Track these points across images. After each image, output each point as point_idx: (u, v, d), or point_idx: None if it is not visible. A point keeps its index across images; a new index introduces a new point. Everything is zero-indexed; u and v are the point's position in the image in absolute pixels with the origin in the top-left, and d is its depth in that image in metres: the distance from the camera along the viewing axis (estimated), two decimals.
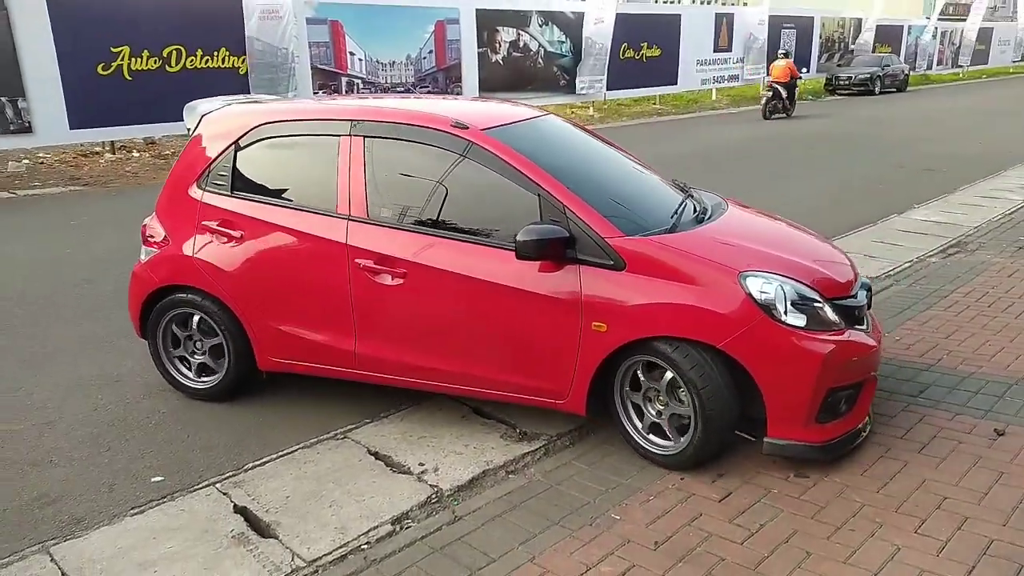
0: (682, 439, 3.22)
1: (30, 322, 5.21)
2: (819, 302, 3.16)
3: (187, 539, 2.89)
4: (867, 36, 28.93)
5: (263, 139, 3.85)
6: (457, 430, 3.67)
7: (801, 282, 3.17)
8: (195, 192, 3.94)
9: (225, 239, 3.81)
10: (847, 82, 25.37)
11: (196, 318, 3.97)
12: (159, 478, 3.32)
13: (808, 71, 26.67)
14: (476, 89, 16.08)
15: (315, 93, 13.29)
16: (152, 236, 4.06)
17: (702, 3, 42.26)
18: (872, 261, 6.27)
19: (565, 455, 3.42)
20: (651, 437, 3.32)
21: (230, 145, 3.88)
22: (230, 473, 3.34)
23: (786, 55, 18.80)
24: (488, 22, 16.39)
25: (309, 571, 2.72)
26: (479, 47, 16.28)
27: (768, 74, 22.32)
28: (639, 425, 3.35)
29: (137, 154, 12.91)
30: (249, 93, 11.97)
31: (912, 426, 3.56)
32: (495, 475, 3.29)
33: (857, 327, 3.29)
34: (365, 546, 2.84)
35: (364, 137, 3.61)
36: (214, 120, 4.03)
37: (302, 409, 3.91)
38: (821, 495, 3.05)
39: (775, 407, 3.09)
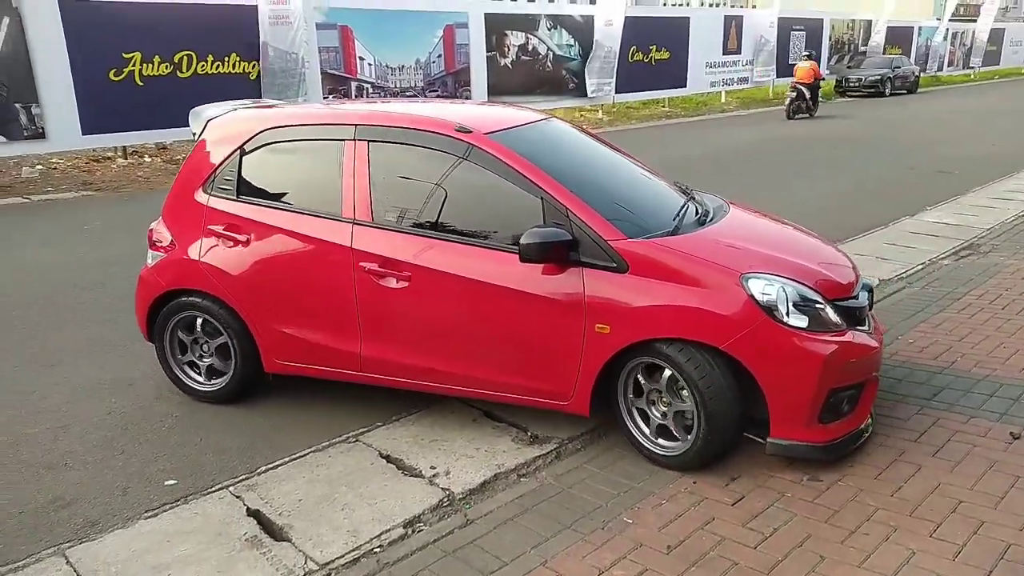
0: (686, 440, 3.23)
1: (45, 326, 5.25)
2: (821, 303, 3.17)
3: (200, 542, 2.90)
4: (878, 38, 28.82)
5: (268, 144, 3.88)
6: (468, 433, 3.67)
7: (803, 283, 3.19)
8: (201, 196, 3.97)
9: (231, 243, 3.84)
10: (857, 84, 25.28)
11: (202, 321, 3.99)
12: (172, 481, 3.33)
13: None
14: (485, 93, 16.10)
15: (325, 98, 13.34)
16: (159, 240, 4.10)
17: (711, 6, 42.20)
18: (884, 263, 6.24)
19: (577, 459, 3.42)
20: (655, 438, 3.34)
21: (235, 150, 3.92)
22: (243, 476, 3.35)
23: (810, 56, 19.23)
24: (497, 26, 16.42)
25: (322, 574, 2.72)
26: (488, 51, 16.31)
27: (783, 76, 22.54)
28: (643, 427, 3.37)
29: (149, 159, 13.00)
30: (259, 98, 12.03)
31: (926, 429, 3.54)
32: (507, 478, 3.29)
33: (859, 328, 3.30)
34: (377, 549, 2.84)
35: (368, 142, 3.64)
36: (219, 125, 4.06)
37: (314, 413, 3.92)
38: (835, 499, 3.04)
39: (778, 408, 3.11)
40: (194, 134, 4.17)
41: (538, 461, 3.41)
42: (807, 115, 18.57)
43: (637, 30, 19.16)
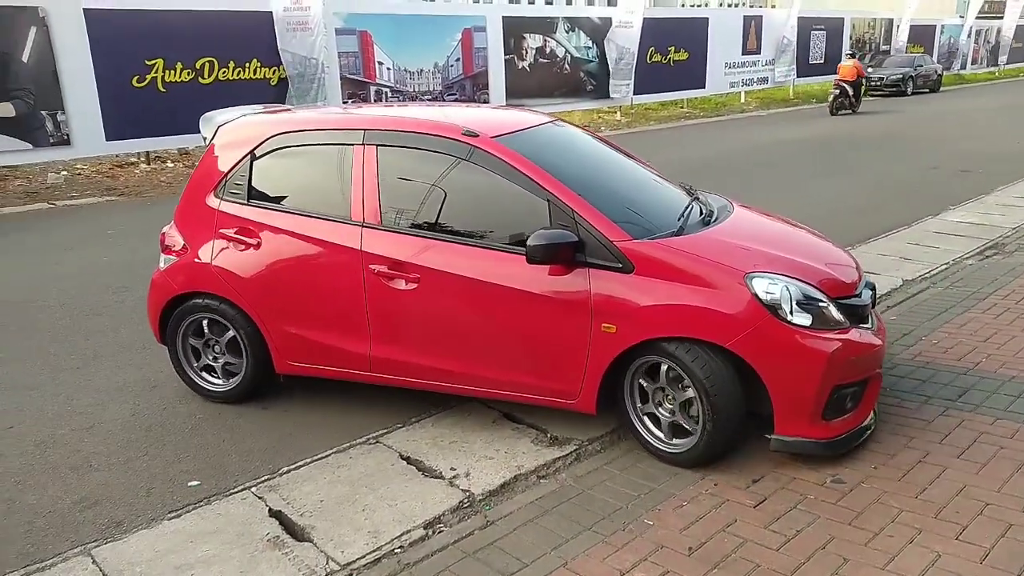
0: (691, 437, 3.26)
1: (71, 329, 5.33)
2: (824, 302, 3.21)
3: (223, 542, 2.93)
4: (902, 37, 28.51)
5: (278, 149, 3.93)
6: (488, 435, 3.67)
7: (806, 282, 3.23)
8: (212, 201, 4.03)
9: (242, 246, 3.90)
10: (879, 83, 25.00)
11: (211, 323, 4.05)
12: (196, 482, 3.37)
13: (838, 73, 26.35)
14: (503, 96, 16.13)
15: (344, 103, 13.43)
16: (171, 244, 4.16)
17: (730, 6, 41.96)
18: (907, 263, 6.17)
19: (596, 460, 3.41)
20: (661, 435, 3.37)
21: (246, 155, 3.97)
22: (265, 477, 3.38)
23: (853, 55, 20.53)
24: (515, 29, 16.45)
25: (343, 574, 2.74)
26: (506, 54, 16.33)
27: (803, 76, 22.60)
28: (649, 424, 3.41)
29: (171, 164, 13.15)
30: (281, 103, 12.15)
31: (951, 431, 3.49)
32: (526, 480, 3.29)
33: (862, 326, 3.34)
34: (398, 550, 2.86)
35: (377, 146, 3.69)
36: (230, 130, 4.12)
37: (335, 414, 3.94)
38: (858, 501, 3.01)
39: (782, 405, 3.15)
40: (205, 139, 4.23)
41: (558, 463, 3.41)
42: (850, 111, 19.26)
43: (656, 31, 19.11)
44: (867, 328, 3.36)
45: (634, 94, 19.03)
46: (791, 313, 3.11)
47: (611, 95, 18.43)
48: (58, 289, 6.23)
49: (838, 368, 3.12)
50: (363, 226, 3.64)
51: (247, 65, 12.43)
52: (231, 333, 3.99)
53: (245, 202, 3.94)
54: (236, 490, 3.29)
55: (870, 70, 26.08)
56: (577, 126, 4.59)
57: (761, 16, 23.51)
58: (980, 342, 4.48)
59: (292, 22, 12.57)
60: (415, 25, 14.77)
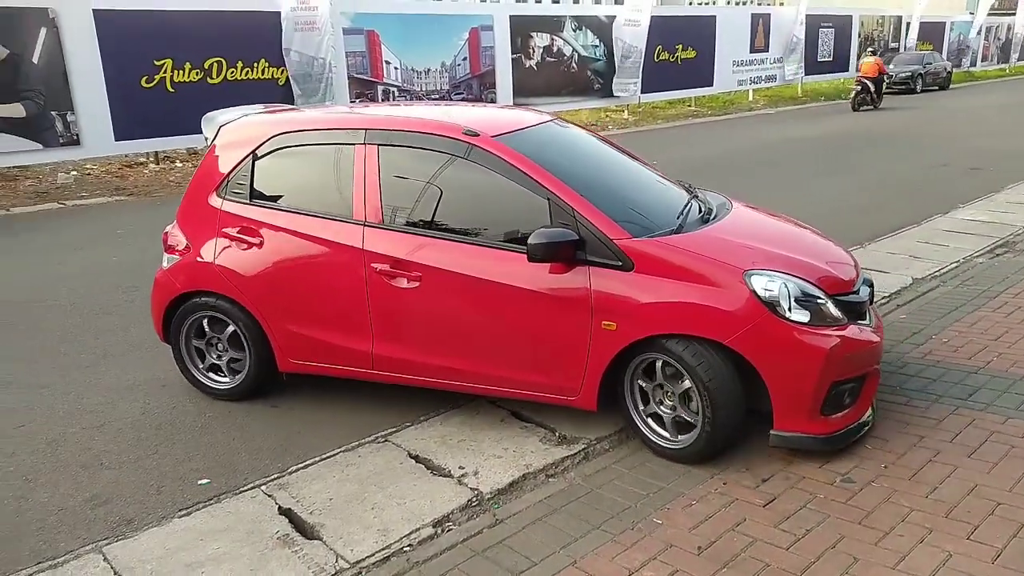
0: (691, 433, 3.29)
1: (81, 328, 5.35)
2: (822, 299, 3.24)
3: (233, 540, 2.94)
4: (912, 35, 28.37)
5: (280, 148, 3.96)
6: (496, 434, 3.68)
7: (805, 279, 3.25)
8: (215, 200, 4.06)
9: (245, 246, 3.92)
10: (887, 81, 24.85)
11: (216, 321, 4.08)
12: (205, 480, 3.38)
13: (847, 71, 26.26)
14: (510, 95, 16.12)
15: (352, 102, 13.45)
16: (174, 244, 4.19)
17: (737, 4, 41.85)
18: (917, 262, 6.14)
19: (605, 459, 3.41)
20: (661, 431, 3.39)
21: (248, 155, 4.00)
22: (275, 475, 3.39)
23: (874, 52, 20.75)
24: (522, 28, 16.43)
25: (352, 572, 2.74)
26: (513, 53, 16.32)
27: (811, 74, 22.64)
28: (650, 421, 3.43)
29: (180, 164, 13.20)
30: (289, 103, 12.17)
31: (962, 430, 3.48)
32: (535, 479, 3.29)
33: (860, 322, 3.37)
34: (407, 548, 2.86)
35: (378, 145, 3.71)
36: (232, 130, 4.14)
37: (343, 413, 3.95)
38: (868, 500, 2.99)
39: (780, 400, 3.17)
40: (207, 139, 4.25)
41: (566, 461, 3.41)
42: (871, 107, 19.59)
43: (663, 29, 19.06)
44: (865, 324, 3.40)
45: (641, 92, 18.99)
46: (790, 310, 3.14)
47: (614, 93, 18.37)
48: (68, 288, 6.27)
49: (836, 364, 3.15)
50: (365, 225, 3.66)
51: (255, 65, 12.47)
52: (231, 328, 4.03)
53: (247, 202, 3.97)
54: (246, 488, 3.30)
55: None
56: (579, 125, 4.60)
57: (769, 14, 23.41)
58: (991, 341, 4.45)
59: (299, 22, 12.59)
60: (422, 24, 14.77)
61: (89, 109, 10.81)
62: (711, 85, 21.38)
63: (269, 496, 3.23)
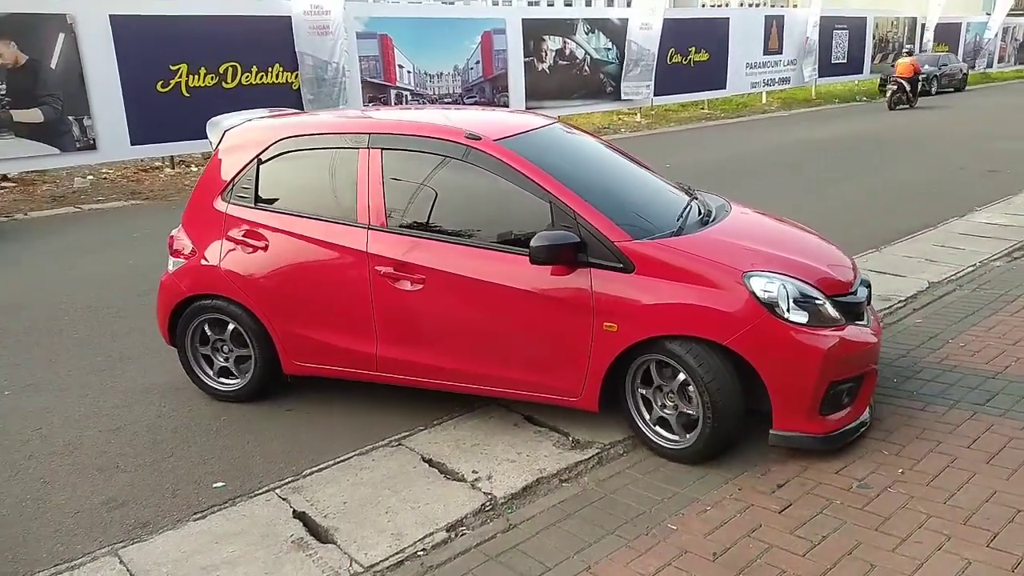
0: (691, 434, 3.31)
1: (96, 331, 5.40)
2: (820, 300, 3.28)
3: (248, 543, 2.95)
4: (928, 36, 28.15)
5: (284, 152, 4.00)
6: (509, 438, 3.67)
7: (803, 281, 3.30)
8: (220, 204, 4.10)
9: (250, 249, 3.96)
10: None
11: (218, 323, 4.12)
12: (220, 484, 3.40)
13: (861, 72, 26.10)
14: (523, 98, 16.12)
15: (365, 106, 13.50)
16: (179, 248, 4.23)
17: (751, 6, 41.71)
18: (932, 265, 6.09)
19: (619, 464, 3.40)
20: (662, 432, 3.42)
21: (252, 159, 4.04)
22: (289, 479, 3.41)
23: (910, 53, 21.76)
24: (534, 31, 16.43)
25: None
26: (525, 56, 16.31)
27: (824, 76, 22.70)
28: (650, 421, 3.45)
29: (195, 168, 13.28)
30: (302, 108, 12.24)
31: (979, 435, 3.44)
32: (548, 483, 3.29)
33: (858, 322, 3.41)
34: (421, 553, 2.86)
35: (381, 150, 3.74)
36: (237, 135, 4.19)
37: (357, 417, 3.96)
38: (885, 506, 2.97)
39: (780, 400, 3.21)
40: (211, 144, 4.28)
41: (580, 466, 3.40)
42: (907, 106, 20.13)
43: (676, 32, 19.00)
44: (863, 325, 3.44)
45: (654, 95, 18.94)
46: (788, 311, 3.18)
47: (627, 96, 18.31)
48: (84, 292, 6.32)
49: (834, 364, 3.19)
50: (368, 228, 3.70)
51: (269, 69, 12.53)
52: (234, 327, 4.06)
53: (252, 205, 4.01)
54: (260, 492, 3.32)
55: (893, 70, 25.82)
56: (582, 129, 4.61)
57: (783, 16, 23.28)
58: (1009, 345, 4.41)
59: (313, 26, 12.65)
60: (435, 28, 14.81)
61: (105, 114, 10.90)
62: (724, 88, 21.27)
63: (283, 499, 3.24)
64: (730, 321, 3.16)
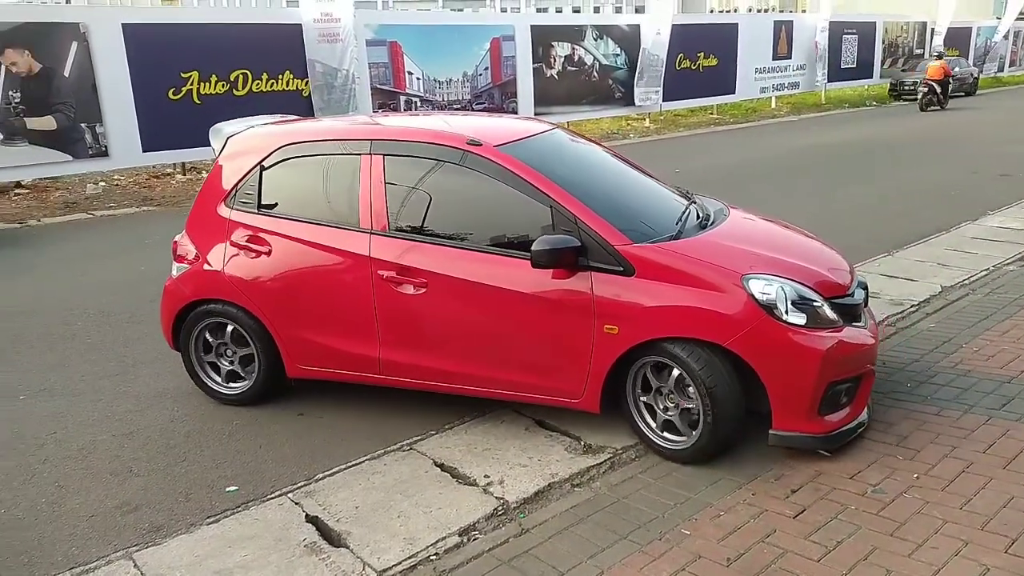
0: (692, 434, 3.33)
1: (109, 337, 5.43)
2: (818, 302, 3.31)
3: (261, 547, 2.96)
4: (939, 40, 28.05)
5: (287, 159, 4.03)
6: (521, 442, 3.67)
7: (801, 283, 3.33)
8: (223, 210, 4.13)
9: (253, 254, 3.99)
10: (912, 87, 24.58)
11: (220, 327, 4.15)
12: (233, 488, 3.41)
13: (871, 77, 26.03)
14: (532, 104, 16.15)
15: (374, 112, 13.55)
16: (183, 253, 4.27)
17: (759, 11, 41.68)
18: (945, 270, 6.06)
19: (631, 468, 3.39)
20: (663, 433, 3.45)
21: (256, 165, 4.08)
22: (301, 483, 3.41)
23: (940, 56, 21.83)
24: (543, 37, 16.47)
25: None
26: (534, 63, 16.35)
27: (833, 81, 22.80)
28: (651, 422, 3.47)
29: (206, 175, 13.34)
30: (312, 115, 12.29)
31: (995, 440, 3.42)
32: (560, 488, 3.28)
33: (855, 324, 3.44)
34: (433, 557, 2.86)
35: (383, 156, 3.78)
36: (239, 141, 4.22)
37: (369, 421, 3.97)
38: (900, 511, 2.95)
39: (779, 401, 3.23)
40: (215, 151, 4.31)
41: (592, 471, 3.39)
42: (938, 108, 20.73)
43: (684, 37, 19.00)
44: (860, 326, 3.47)
45: (663, 101, 18.94)
46: (787, 313, 3.21)
47: (636, 102, 18.30)
48: (97, 297, 6.36)
49: (832, 365, 3.22)
50: (371, 233, 3.73)
51: (280, 77, 12.60)
52: (232, 328, 4.09)
53: (255, 211, 4.05)
54: (273, 496, 3.32)
55: (903, 74, 25.73)
56: (584, 136, 4.62)
57: (792, 21, 23.26)
58: (1023, 350, 4.37)
59: (323, 33, 12.72)
60: (444, 35, 14.86)
61: (118, 121, 10.98)
62: (733, 93, 21.25)
63: (296, 504, 3.25)
64: (729, 323, 3.19)
